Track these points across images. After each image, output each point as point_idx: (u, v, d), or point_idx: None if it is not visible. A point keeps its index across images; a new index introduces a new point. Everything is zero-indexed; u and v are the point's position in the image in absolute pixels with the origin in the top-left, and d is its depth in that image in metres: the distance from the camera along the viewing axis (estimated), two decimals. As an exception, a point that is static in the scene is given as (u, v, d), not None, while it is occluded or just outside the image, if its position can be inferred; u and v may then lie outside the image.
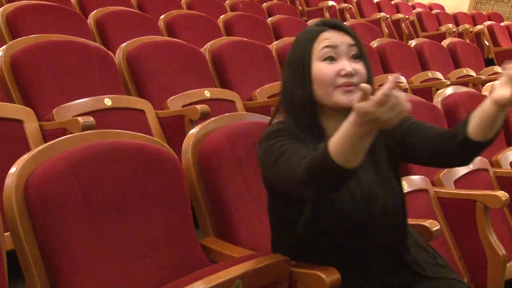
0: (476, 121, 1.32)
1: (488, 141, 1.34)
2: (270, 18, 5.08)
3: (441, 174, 2.37)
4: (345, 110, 1.35)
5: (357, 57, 1.42)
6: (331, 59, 1.39)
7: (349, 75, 1.37)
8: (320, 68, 1.39)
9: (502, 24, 7.74)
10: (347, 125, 1.15)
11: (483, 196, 2.14)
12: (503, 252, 2.12)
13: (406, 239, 1.50)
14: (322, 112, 1.43)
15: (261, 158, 1.42)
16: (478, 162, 2.51)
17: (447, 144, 1.38)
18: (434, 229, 1.67)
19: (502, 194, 2.10)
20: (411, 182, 2.14)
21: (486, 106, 1.29)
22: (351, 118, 1.13)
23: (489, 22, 7.60)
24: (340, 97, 1.37)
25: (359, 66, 1.40)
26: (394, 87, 1.08)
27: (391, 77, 1.11)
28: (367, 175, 1.42)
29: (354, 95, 1.35)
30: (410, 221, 1.54)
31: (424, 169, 2.33)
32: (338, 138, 1.17)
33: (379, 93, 1.06)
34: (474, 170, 2.49)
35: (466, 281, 2.27)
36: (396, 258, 1.49)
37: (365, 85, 1.11)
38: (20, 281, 1.35)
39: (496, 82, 1.28)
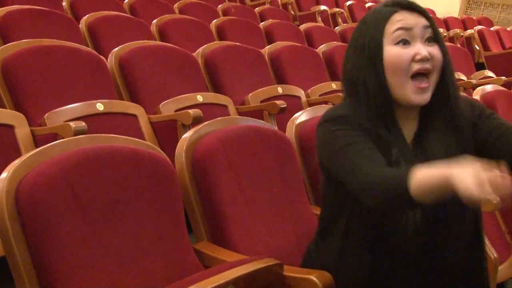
0: None
1: None
2: (263, 23, 5.09)
3: None
4: (417, 108, 1.34)
5: (432, 40, 1.34)
6: (404, 42, 1.31)
7: (424, 59, 1.30)
8: (394, 53, 1.30)
9: (492, 28, 7.79)
10: (440, 177, 1.08)
11: None
12: (495, 255, 2.12)
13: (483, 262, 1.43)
14: (395, 106, 1.34)
15: (321, 141, 1.37)
16: None
17: None
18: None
19: (494, 198, 2.10)
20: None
21: None
22: (449, 178, 1.05)
23: (479, 27, 7.64)
24: (411, 96, 1.30)
25: (435, 50, 1.32)
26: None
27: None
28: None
29: (426, 94, 1.31)
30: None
31: None
32: (424, 182, 1.12)
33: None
34: None
35: None
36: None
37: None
38: (11, 285, 1.34)
39: None
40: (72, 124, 2.07)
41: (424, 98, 1.30)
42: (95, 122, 2.28)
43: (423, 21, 1.33)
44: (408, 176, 1.13)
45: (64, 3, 4.32)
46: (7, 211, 1.29)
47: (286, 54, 3.74)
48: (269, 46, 3.92)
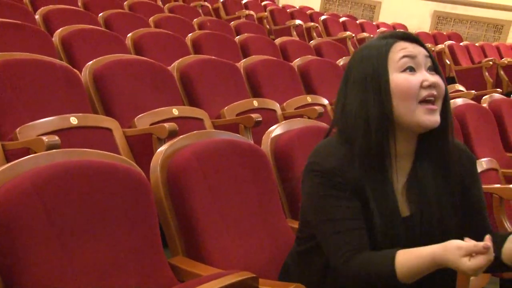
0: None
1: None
2: (238, 37, 5.11)
3: None
4: (417, 134, 1.33)
5: (433, 69, 1.34)
6: (411, 69, 1.30)
7: (432, 86, 1.29)
8: (402, 80, 1.29)
9: (461, 44, 7.94)
10: (429, 260, 1.17)
11: (499, 189, 2.42)
12: None
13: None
14: (396, 134, 1.33)
15: (307, 193, 1.38)
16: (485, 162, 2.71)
17: None
18: None
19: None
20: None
21: None
22: (437, 257, 1.15)
23: (449, 42, 7.79)
24: (423, 117, 1.28)
25: (438, 79, 1.32)
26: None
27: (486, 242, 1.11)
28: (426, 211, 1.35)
29: (437, 116, 1.30)
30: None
31: None
32: (411, 265, 1.19)
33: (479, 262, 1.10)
34: (483, 171, 2.64)
35: None
36: None
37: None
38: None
39: None
40: (45, 138, 2.04)
41: (436, 119, 1.29)
42: (69, 136, 2.25)
43: (423, 51, 1.34)
44: (394, 263, 1.19)
45: (37, 16, 4.29)
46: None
47: (262, 68, 3.75)
48: (244, 59, 3.93)
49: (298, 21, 7.47)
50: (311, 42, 5.75)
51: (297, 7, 9.15)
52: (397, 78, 1.29)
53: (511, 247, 1.24)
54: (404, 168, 1.36)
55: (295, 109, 3.37)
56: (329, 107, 3.49)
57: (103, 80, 2.79)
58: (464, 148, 1.48)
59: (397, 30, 1.32)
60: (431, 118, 1.28)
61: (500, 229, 2.50)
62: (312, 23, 7.66)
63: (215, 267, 1.59)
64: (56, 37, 3.52)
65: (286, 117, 3.16)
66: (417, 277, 1.20)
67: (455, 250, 1.13)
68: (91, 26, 3.94)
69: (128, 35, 4.01)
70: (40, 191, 1.35)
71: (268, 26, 7.38)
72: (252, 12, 7.70)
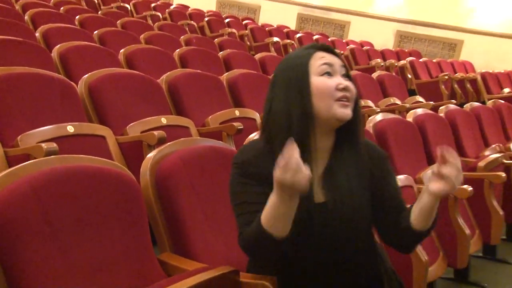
0: (416, 213, 1.34)
1: (428, 229, 1.36)
2: (221, 52, 5.11)
3: (421, 174, 2.60)
4: (334, 130, 1.39)
5: (346, 76, 1.40)
6: (328, 74, 1.36)
7: (346, 89, 1.35)
8: (321, 82, 1.35)
9: (420, 60, 8.05)
10: (273, 197, 1.21)
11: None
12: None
13: (374, 263, 1.48)
14: (315, 130, 1.36)
15: (230, 182, 1.41)
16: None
17: (399, 225, 1.39)
18: None
19: (467, 189, 2.41)
20: (399, 180, 2.21)
21: (424, 199, 1.32)
22: (274, 190, 1.19)
23: (410, 58, 7.90)
24: (338, 110, 1.33)
25: (351, 84, 1.38)
26: (294, 153, 1.14)
27: (288, 148, 1.14)
28: (339, 198, 1.37)
29: (349, 110, 1.36)
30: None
31: (408, 171, 2.54)
32: (268, 211, 1.24)
33: (281, 159, 1.13)
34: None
35: (441, 254, 2.52)
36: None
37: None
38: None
39: (429, 172, 1.31)
40: (43, 145, 2.03)
41: (348, 112, 1.35)
42: (66, 143, 2.23)
43: (339, 61, 1.41)
44: (260, 220, 1.25)
45: (37, 34, 4.27)
46: (-20, 227, 1.25)
47: (243, 80, 3.75)
48: (227, 73, 3.93)
49: (275, 38, 7.51)
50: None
51: (275, 26, 9.19)
52: (317, 81, 1.35)
53: (414, 211, 1.33)
54: (323, 160, 1.40)
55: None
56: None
57: (97, 92, 2.78)
58: (375, 146, 1.54)
59: (318, 42, 1.44)
60: (345, 111, 1.34)
61: (455, 226, 2.50)
62: (289, 40, 7.70)
63: (200, 262, 1.58)
64: (54, 53, 3.50)
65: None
66: (275, 215, 1.23)
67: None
68: (86, 42, 3.93)
69: (121, 50, 3.99)
70: (38, 194, 1.34)
71: (248, 43, 7.41)
72: (234, 30, 7.72)
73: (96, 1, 8.40)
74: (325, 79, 1.35)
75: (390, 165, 1.51)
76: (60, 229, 1.36)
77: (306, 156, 1.32)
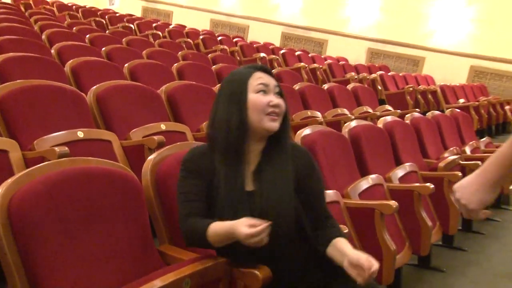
0: (332, 253, 1.44)
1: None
2: (214, 66, 5.11)
3: (349, 188, 2.41)
4: (263, 136, 1.48)
5: (279, 94, 1.49)
6: (263, 92, 1.45)
7: (275, 106, 1.44)
8: (256, 98, 1.43)
9: (389, 74, 8.11)
10: (225, 230, 1.33)
11: (380, 205, 2.20)
12: (394, 247, 2.19)
13: (300, 247, 1.50)
14: (249, 136, 1.45)
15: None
16: (375, 178, 2.58)
17: (316, 239, 1.49)
18: (393, 207, 1.69)
19: (393, 203, 2.17)
20: (326, 195, 2.16)
21: (338, 258, 1.41)
22: (231, 232, 1.30)
23: (380, 72, 7.95)
24: (268, 123, 1.43)
25: (281, 101, 1.47)
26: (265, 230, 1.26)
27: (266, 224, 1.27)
28: (266, 189, 1.43)
29: (277, 123, 1.45)
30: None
31: (336, 185, 2.38)
32: (216, 233, 1.35)
33: (254, 231, 1.25)
34: (372, 185, 2.55)
35: (407, 244, 2.49)
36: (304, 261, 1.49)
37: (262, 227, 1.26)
38: (4, 286, 1.29)
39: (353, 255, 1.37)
40: (56, 149, 2.02)
41: (276, 125, 1.45)
42: (76, 147, 2.23)
43: (274, 81, 1.49)
44: (207, 230, 1.35)
45: (52, 51, 4.26)
46: (1, 221, 1.25)
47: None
48: (218, 85, 3.93)
49: (262, 54, 7.52)
50: (273, 70, 5.78)
51: (262, 43, 9.20)
52: (253, 97, 1.44)
53: (334, 250, 1.45)
54: (255, 160, 1.49)
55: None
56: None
57: (104, 101, 2.77)
58: (302, 149, 1.62)
59: (258, 64, 1.53)
60: (273, 124, 1.44)
61: (380, 242, 2.27)
62: (274, 56, 7.72)
63: (196, 253, 1.57)
64: (67, 67, 3.49)
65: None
66: (221, 240, 1.35)
67: (243, 221, 1.29)
68: (95, 58, 3.92)
69: (125, 65, 3.97)
70: (51, 192, 1.34)
71: (238, 58, 7.41)
72: (225, 47, 7.72)
73: (104, 22, 8.39)
74: (260, 96, 1.44)
75: (316, 170, 1.57)
76: (71, 223, 1.35)
77: (241, 156, 1.45)
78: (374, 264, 1.31)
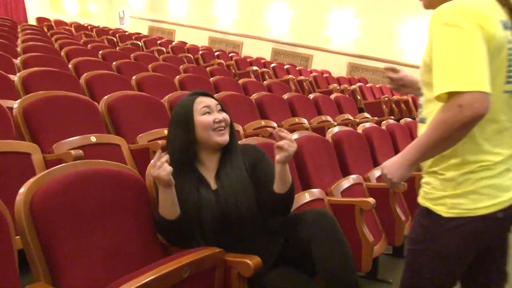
0: (275, 181, 1.47)
1: (287, 192, 1.47)
2: (212, 78, 5.12)
3: (332, 187, 2.40)
4: (216, 149, 1.55)
5: (222, 110, 1.58)
6: (208, 113, 1.53)
7: (220, 121, 1.53)
8: (203, 119, 1.52)
9: (367, 85, 8.15)
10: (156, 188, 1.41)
11: (359, 202, 2.19)
12: (372, 239, 2.20)
13: (263, 230, 1.56)
14: (201, 149, 1.55)
15: None
16: (356, 178, 2.59)
17: (270, 198, 1.51)
18: (371, 203, 1.78)
19: (371, 200, 2.17)
20: (312, 193, 2.16)
21: (276, 168, 1.44)
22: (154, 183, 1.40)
23: (359, 84, 7.99)
24: (217, 138, 1.52)
25: (225, 115, 1.56)
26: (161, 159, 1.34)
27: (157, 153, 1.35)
28: (229, 186, 1.51)
29: (225, 136, 1.54)
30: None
31: (321, 184, 2.38)
32: (158, 201, 1.42)
33: (152, 163, 1.34)
34: (353, 184, 2.54)
35: (383, 236, 2.48)
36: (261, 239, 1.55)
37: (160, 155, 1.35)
38: (27, 273, 1.29)
39: (274, 146, 1.43)
40: (72, 152, 2.03)
41: (226, 138, 1.55)
42: (89, 150, 2.23)
43: (214, 101, 1.58)
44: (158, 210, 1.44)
45: (70, 65, 4.27)
46: (24, 216, 1.26)
47: (229, 100, 3.76)
48: (216, 94, 3.94)
49: (255, 67, 7.53)
50: (264, 82, 5.80)
51: (254, 58, 9.22)
52: (200, 119, 1.52)
53: (275, 181, 1.47)
54: (214, 166, 1.57)
55: (253, 129, 3.41)
56: (277, 128, 3.50)
57: (114, 109, 2.77)
58: (250, 145, 1.68)
59: (198, 90, 1.63)
60: (223, 138, 1.54)
61: (360, 235, 2.19)
62: (265, 69, 7.73)
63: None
64: (82, 80, 3.49)
65: (247, 136, 3.17)
66: (162, 204, 1.42)
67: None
68: (107, 71, 3.93)
69: (133, 77, 3.98)
70: (67, 190, 1.34)
71: (233, 71, 7.42)
72: (222, 61, 7.73)
73: (115, 40, 8.39)
74: (206, 116, 1.52)
75: (265, 157, 1.61)
76: (85, 217, 1.36)
77: (197, 165, 1.54)
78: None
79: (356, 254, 2.25)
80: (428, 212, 1.22)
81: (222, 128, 1.53)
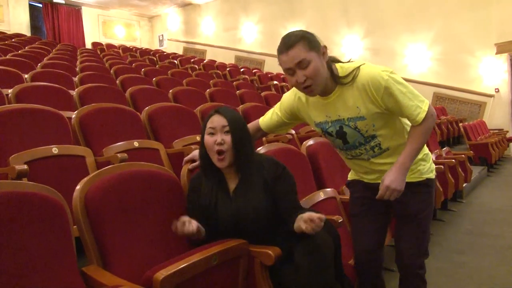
0: (296, 225, 1.30)
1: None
2: (238, 91, 5.16)
3: (343, 187, 2.34)
4: (232, 166, 1.46)
5: (228, 132, 1.42)
6: (212, 134, 1.43)
7: (219, 144, 1.41)
8: (207, 139, 1.43)
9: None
10: None
11: None
12: None
13: (274, 236, 1.46)
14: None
15: None
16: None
17: (289, 222, 1.37)
18: (339, 221, 1.67)
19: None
20: (326, 192, 2.13)
21: (297, 227, 1.30)
22: None
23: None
24: (217, 162, 1.43)
25: (227, 138, 1.42)
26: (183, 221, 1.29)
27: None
28: (239, 200, 1.44)
29: (225, 161, 1.42)
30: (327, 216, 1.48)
31: (333, 183, 2.35)
32: None
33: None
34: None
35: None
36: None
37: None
38: (83, 257, 1.32)
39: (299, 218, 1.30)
40: (119, 155, 2.07)
41: (223, 164, 1.42)
42: (132, 153, 2.26)
43: (222, 123, 1.42)
44: None
45: (117, 81, 4.36)
46: (80, 209, 1.29)
47: (252, 110, 3.77)
48: (242, 105, 3.96)
49: (275, 82, 7.54)
50: (283, 94, 5.77)
51: (275, 73, 9.23)
52: (206, 138, 1.44)
53: (296, 224, 1.30)
54: (235, 180, 1.49)
55: (274, 136, 3.38)
56: (295, 135, 3.46)
57: (154, 119, 2.81)
58: (269, 159, 1.52)
59: (219, 107, 1.48)
60: (221, 163, 1.42)
61: None
62: (284, 83, 7.73)
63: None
64: (127, 93, 3.56)
65: (269, 141, 3.16)
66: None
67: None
68: (148, 86, 3.99)
69: (170, 90, 4.04)
70: (114, 188, 1.36)
71: (256, 85, 7.45)
72: (247, 76, 7.77)
73: (155, 59, 8.54)
74: (209, 137, 1.43)
75: (285, 171, 1.49)
76: (130, 211, 1.38)
77: (220, 177, 1.47)
78: (317, 215, 1.23)
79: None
80: (427, 180, 1.53)
81: (222, 153, 1.41)
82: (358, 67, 1.37)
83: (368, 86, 1.35)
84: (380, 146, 1.47)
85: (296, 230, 1.30)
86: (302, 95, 1.50)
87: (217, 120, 1.43)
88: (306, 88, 1.36)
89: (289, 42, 1.33)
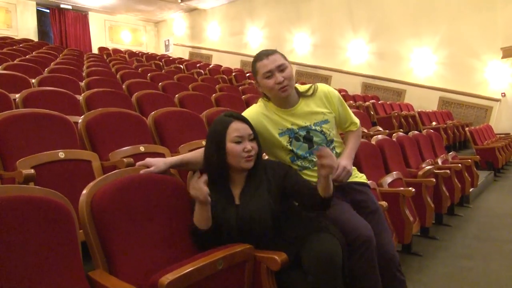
0: (320, 189, 1.41)
1: (329, 197, 1.42)
2: (243, 96, 5.17)
3: (381, 180, 2.70)
4: (243, 171, 1.50)
5: (253, 139, 1.49)
6: (238, 142, 1.45)
7: (249, 151, 1.46)
8: (234, 147, 1.45)
9: (379, 102, 8.02)
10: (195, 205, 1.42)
11: (403, 191, 2.52)
12: (412, 218, 2.52)
13: (281, 241, 1.46)
14: (231, 168, 1.48)
15: None
16: (396, 174, 2.87)
17: (313, 200, 1.44)
18: (384, 206, 2.04)
19: (412, 189, 2.51)
20: (370, 184, 2.27)
21: (320, 180, 1.40)
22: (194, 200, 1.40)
23: (372, 101, 7.87)
24: (245, 164, 1.46)
25: (254, 145, 1.48)
26: (198, 179, 1.38)
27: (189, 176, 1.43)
28: (247, 204, 1.45)
29: (252, 162, 1.48)
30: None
31: (372, 178, 2.60)
32: (194, 214, 1.43)
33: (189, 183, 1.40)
34: (395, 179, 2.82)
35: (394, 235, 2.52)
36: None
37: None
38: (89, 261, 1.32)
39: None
40: (125, 160, 2.07)
41: (251, 164, 1.48)
42: (138, 158, 2.19)
43: (249, 130, 1.49)
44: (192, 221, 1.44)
45: (123, 86, 4.39)
46: (86, 213, 1.29)
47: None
48: (247, 109, 3.96)
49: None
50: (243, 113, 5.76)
51: (279, 78, 9.21)
52: (231, 145, 1.45)
53: (319, 188, 1.41)
54: (241, 184, 1.51)
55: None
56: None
57: (160, 123, 2.81)
58: (274, 162, 1.59)
59: (236, 113, 1.54)
60: (249, 164, 1.47)
61: (403, 215, 2.52)
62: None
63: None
64: (133, 98, 3.57)
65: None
66: (197, 217, 1.43)
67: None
68: (154, 90, 4.01)
69: (176, 95, 4.05)
70: (120, 192, 1.37)
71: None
72: (252, 81, 7.78)
73: (161, 64, 8.59)
74: (235, 145, 1.45)
75: (292, 171, 1.53)
76: (135, 215, 1.38)
77: (227, 182, 1.50)
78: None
79: (400, 230, 2.56)
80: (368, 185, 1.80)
81: (250, 157, 1.46)
82: (315, 84, 1.72)
83: (328, 94, 1.71)
84: (336, 151, 1.71)
85: (321, 190, 1.41)
86: (266, 110, 1.68)
87: (242, 128, 1.47)
88: (283, 88, 1.60)
89: (268, 52, 1.62)
